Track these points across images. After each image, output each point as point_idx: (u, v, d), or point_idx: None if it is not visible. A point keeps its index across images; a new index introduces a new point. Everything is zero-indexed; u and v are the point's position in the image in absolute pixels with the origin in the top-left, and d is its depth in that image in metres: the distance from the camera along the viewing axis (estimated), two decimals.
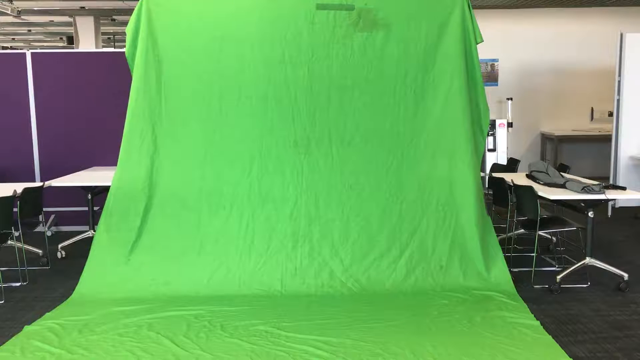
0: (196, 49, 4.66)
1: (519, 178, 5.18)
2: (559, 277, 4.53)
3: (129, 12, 12.29)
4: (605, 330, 3.77)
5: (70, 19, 13.71)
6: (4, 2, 10.26)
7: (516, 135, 9.52)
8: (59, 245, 5.51)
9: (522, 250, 5.53)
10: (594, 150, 9.54)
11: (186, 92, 4.68)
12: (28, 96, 6.40)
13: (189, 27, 4.65)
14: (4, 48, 21.09)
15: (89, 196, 5.53)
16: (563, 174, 5.24)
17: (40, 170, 6.48)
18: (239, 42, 4.64)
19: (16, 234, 5.06)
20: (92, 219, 5.59)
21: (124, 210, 4.63)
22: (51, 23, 15.10)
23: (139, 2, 4.66)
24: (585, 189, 4.44)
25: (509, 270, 4.60)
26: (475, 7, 8.98)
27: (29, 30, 16.97)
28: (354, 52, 4.66)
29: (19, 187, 4.88)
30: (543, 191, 4.56)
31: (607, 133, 8.49)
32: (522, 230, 5.30)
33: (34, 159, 6.47)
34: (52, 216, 6.53)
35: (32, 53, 6.39)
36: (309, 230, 4.62)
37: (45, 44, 21.17)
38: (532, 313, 3.99)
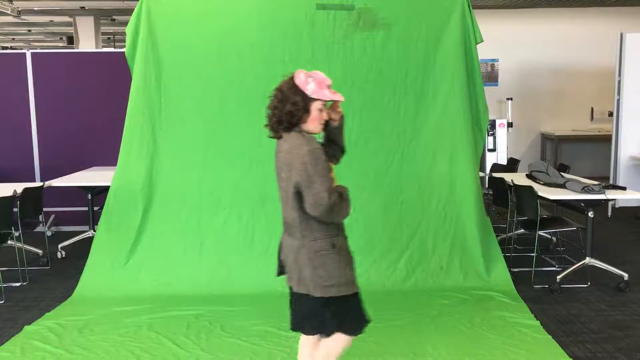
0: (196, 49, 4.65)
1: (519, 178, 5.18)
2: (559, 277, 4.52)
3: (129, 12, 12.28)
4: (605, 330, 3.77)
5: (70, 19, 13.71)
6: (4, 2, 10.26)
7: (516, 135, 9.51)
8: (59, 245, 5.51)
9: (522, 250, 5.52)
10: (594, 150, 9.52)
11: (186, 91, 4.67)
12: (28, 96, 6.40)
13: (189, 27, 4.64)
14: (4, 48, 21.09)
15: (89, 196, 5.53)
16: (563, 174, 5.23)
17: (40, 170, 6.48)
18: (239, 42, 4.64)
19: (16, 234, 5.05)
20: (92, 219, 5.59)
21: (124, 210, 4.63)
22: (51, 23, 15.10)
23: (139, 2, 4.65)
24: (585, 189, 4.44)
25: (509, 270, 4.60)
26: (475, 7, 8.96)
27: (29, 30, 16.97)
28: (354, 52, 4.65)
29: (19, 187, 4.88)
30: (543, 191, 4.56)
31: (607, 133, 8.48)
32: (522, 230, 5.30)
33: (34, 159, 6.47)
34: (52, 216, 6.52)
35: (32, 53, 6.39)
36: None
37: (45, 44, 21.17)
38: (532, 313, 3.99)
